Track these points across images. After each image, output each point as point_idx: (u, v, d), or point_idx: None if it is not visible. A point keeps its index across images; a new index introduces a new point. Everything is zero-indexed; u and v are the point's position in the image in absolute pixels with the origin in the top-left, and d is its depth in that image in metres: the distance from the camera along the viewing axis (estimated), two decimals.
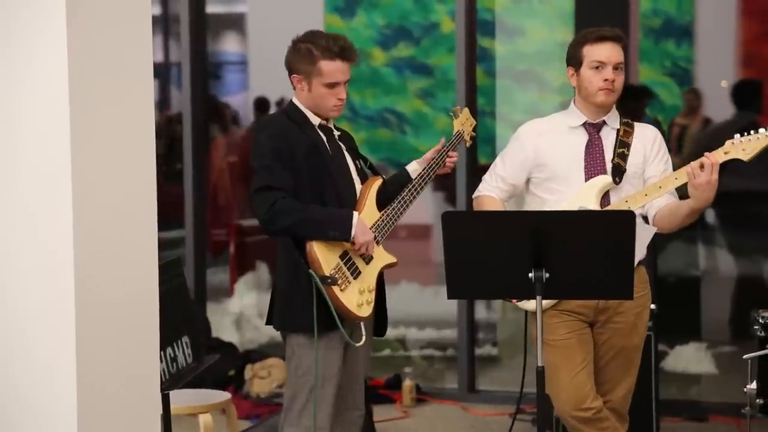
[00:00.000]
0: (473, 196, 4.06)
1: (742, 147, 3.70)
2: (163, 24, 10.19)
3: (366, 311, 3.72)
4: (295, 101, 3.81)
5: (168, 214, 7.51)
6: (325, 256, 3.64)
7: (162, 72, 10.10)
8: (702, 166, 3.62)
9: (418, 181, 3.91)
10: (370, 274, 3.77)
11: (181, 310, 3.67)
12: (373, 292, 3.77)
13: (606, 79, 3.76)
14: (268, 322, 3.89)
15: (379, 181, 3.88)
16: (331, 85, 3.73)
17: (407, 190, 3.88)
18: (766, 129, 3.70)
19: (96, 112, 2.58)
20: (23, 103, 2.53)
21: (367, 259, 3.77)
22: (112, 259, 2.64)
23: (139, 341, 2.74)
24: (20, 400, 2.56)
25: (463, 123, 4.12)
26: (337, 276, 3.64)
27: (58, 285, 2.52)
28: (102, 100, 2.60)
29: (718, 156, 3.67)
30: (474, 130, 4.18)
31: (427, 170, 3.94)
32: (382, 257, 3.82)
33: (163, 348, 3.36)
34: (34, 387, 2.55)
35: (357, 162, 3.90)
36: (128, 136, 2.70)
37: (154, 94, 2.83)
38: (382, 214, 3.82)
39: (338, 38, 3.76)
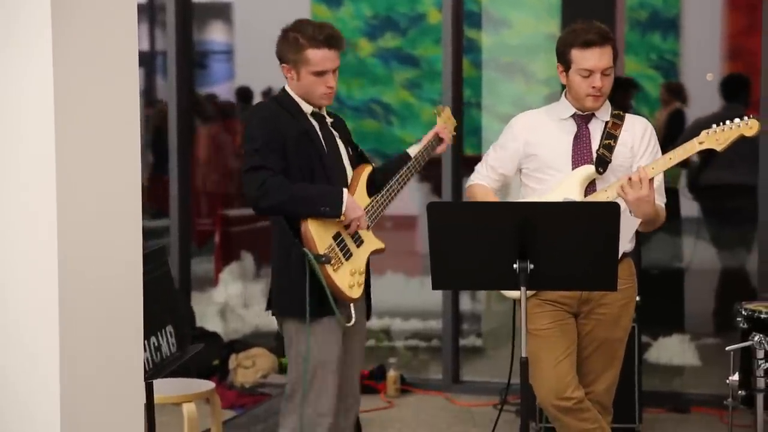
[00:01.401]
0: (466, 185, 4.09)
1: (716, 137, 3.72)
2: (149, 13, 10.16)
3: (357, 293, 3.75)
4: (287, 89, 3.83)
5: (153, 203, 7.50)
6: (319, 236, 3.67)
7: (147, 61, 10.07)
8: (630, 181, 3.64)
9: (404, 169, 3.93)
10: (360, 257, 3.80)
11: (166, 300, 3.66)
12: (363, 275, 3.79)
13: (594, 86, 3.78)
14: (268, 307, 3.89)
15: (369, 168, 3.91)
16: (319, 73, 3.74)
17: (393, 180, 3.90)
18: (741, 118, 3.71)
19: (81, 100, 2.57)
20: (7, 92, 2.52)
21: (358, 242, 3.79)
22: (96, 248, 2.63)
23: (123, 330, 2.74)
24: (3, 389, 2.56)
25: (446, 121, 4.18)
26: (330, 255, 3.66)
27: (42, 274, 2.51)
28: (87, 89, 2.59)
29: (649, 171, 3.67)
30: (455, 129, 4.22)
31: (409, 163, 3.97)
32: (371, 242, 3.85)
33: (147, 337, 3.35)
34: (18, 376, 2.55)
35: (349, 149, 3.91)
36: (113, 126, 2.69)
37: (139, 83, 2.83)
38: (372, 200, 3.84)
39: (324, 26, 3.78)
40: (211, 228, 8.38)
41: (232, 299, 7.49)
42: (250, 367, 5.95)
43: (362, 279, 3.78)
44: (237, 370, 5.97)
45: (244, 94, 9.42)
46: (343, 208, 3.67)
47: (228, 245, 8.12)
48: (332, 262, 3.66)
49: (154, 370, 3.46)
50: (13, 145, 2.53)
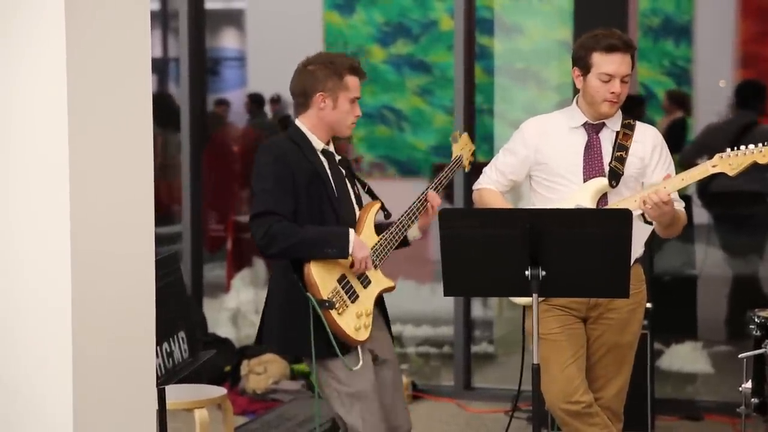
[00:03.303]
0: (474, 188, 4.08)
1: (728, 162, 3.72)
2: (162, 19, 10.19)
3: (363, 335, 3.71)
4: (299, 124, 3.81)
5: (165, 209, 7.52)
6: (323, 280, 3.64)
7: (160, 67, 10.11)
8: (653, 204, 3.66)
9: (416, 204, 3.90)
10: (367, 298, 3.76)
11: (178, 306, 3.67)
12: (371, 316, 3.75)
13: (613, 92, 3.77)
14: (258, 342, 3.86)
15: (377, 206, 3.88)
16: (353, 101, 3.79)
17: (403, 215, 3.87)
18: (755, 145, 3.70)
19: (94, 106, 2.58)
20: (21, 97, 2.54)
21: (365, 282, 3.76)
22: (108, 254, 2.64)
23: (135, 336, 2.75)
24: (16, 395, 2.57)
25: (462, 148, 4.16)
26: (334, 300, 3.64)
27: (55, 280, 2.52)
28: (100, 95, 2.60)
29: (662, 193, 3.68)
30: (473, 155, 4.21)
31: (423, 193, 3.92)
32: (380, 281, 3.82)
33: (159, 343, 3.35)
34: (30, 381, 2.56)
35: (355, 187, 3.91)
36: (126, 132, 2.70)
37: (152, 90, 2.84)
38: (380, 239, 3.82)
39: (352, 57, 3.87)
40: (223, 234, 8.39)
41: (244, 305, 7.49)
42: (262, 374, 5.96)
43: (369, 320, 3.73)
44: (249, 376, 5.97)
45: (255, 100, 9.44)
46: (350, 249, 3.65)
47: (240, 251, 8.13)
48: (337, 306, 3.63)
49: (166, 376, 3.47)
50: (27, 153, 2.54)
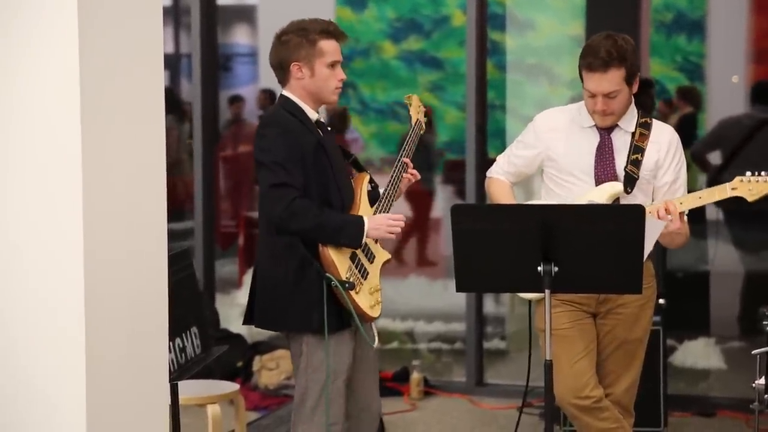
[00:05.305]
0: (487, 174, 4.10)
1: (748, 187, 3.70)
2: (174, 15, 10.20)
3: (377, 311, 3.73)
4: (289, 95, 3.76)
5: (177, 205, 7.53)
6: (338, 259, 3.64)
7: (172, 63, 10.11)
8: (667, 212, 3.64)
9: (396, 172, 3.91)
10: (374, 273, 3.77)
11: (190, 301, 3.68)
12: (380, 291, 3.76)
13: (596, 109, 3.76)
14: (247, 322, 3.78)
15: (366, 178, 3.88)
16: (332, 65, 3.73)
17: (388, 185, 3.87)
18: None
19: (106, 102, 2.59)
20: (34, 95, 2.54)
21: (371, 258, 3.77)
22: (121, 249, 2.64)
23: (148, 332, 2.75)
24: (29, 390, 2.58)
25: (418, 111, 4.13)
26: (353, 280, 3.64)
27: (68, 276, 2.53)
28: (112, 91, 2.61)
29: (678, 206, 3.67)
30: (426, 115, 4.18)
31: (398, 160, 3.93)
32: (381, 255, 3.83)
33: (171, 339, 3.37)
34: (43, 376, 2.56)
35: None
36: (138, 128, 2.71)
37: (164, 85, 2.84)
38: (374, 210, 3.82)
39: (326, 20, 3.79)
40: (235, 230, 8.41)
41: None
42: (274, 369, 5.97)
43: (380, 296, 3.75)
44: (261, 371, 5.98)
45: (267, 95, 9.44)
46: (363, 240, 3.65)
47: (252, 247, 8.13)
48: (355, 286, 3.64)
49: (178, 372, 3.48)
50: (40, 149, 2.54)
